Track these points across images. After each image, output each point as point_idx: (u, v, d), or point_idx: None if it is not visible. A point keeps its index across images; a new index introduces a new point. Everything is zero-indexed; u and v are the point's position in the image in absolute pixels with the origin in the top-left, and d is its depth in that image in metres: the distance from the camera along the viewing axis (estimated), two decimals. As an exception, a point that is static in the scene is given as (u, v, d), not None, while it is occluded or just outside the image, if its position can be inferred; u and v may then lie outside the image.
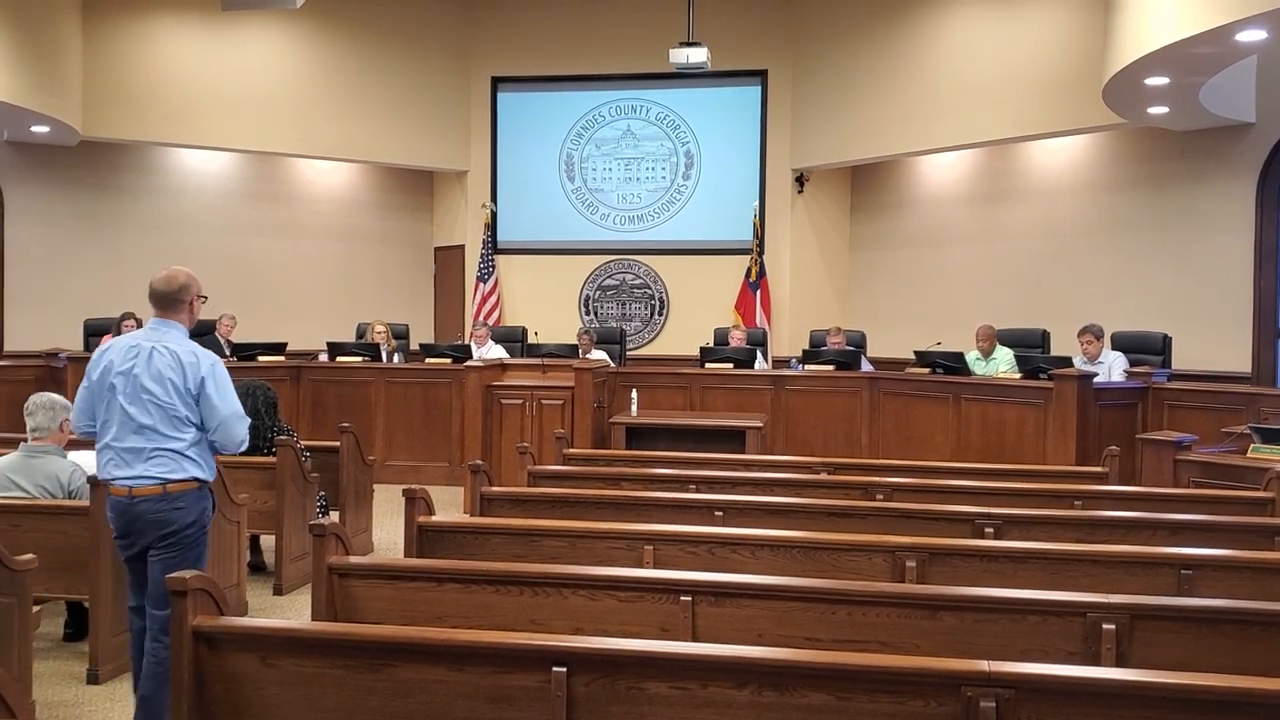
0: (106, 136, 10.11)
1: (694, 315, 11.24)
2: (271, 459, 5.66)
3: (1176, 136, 8.66)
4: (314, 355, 9.49)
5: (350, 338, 10.19)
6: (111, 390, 3.50)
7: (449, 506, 7.16)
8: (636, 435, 7.43)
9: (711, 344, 9.81)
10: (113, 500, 3.52)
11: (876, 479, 5.04)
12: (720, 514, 4.35)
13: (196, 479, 3.51)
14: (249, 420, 3.62)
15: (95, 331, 9.53)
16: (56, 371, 8.22)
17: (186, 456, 3.49)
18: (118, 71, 10.05)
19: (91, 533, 4.27)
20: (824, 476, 5.32)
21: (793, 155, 11.20)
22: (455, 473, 8.31)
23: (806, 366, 8.78)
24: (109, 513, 3.57)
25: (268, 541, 6.16)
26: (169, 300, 3.57)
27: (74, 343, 9.57)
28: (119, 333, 9.09)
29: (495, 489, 4.62)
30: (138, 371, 3.48)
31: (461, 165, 11.82)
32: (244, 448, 3.59)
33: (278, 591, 5.61)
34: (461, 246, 12.05)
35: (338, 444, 6.34)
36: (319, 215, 11.84)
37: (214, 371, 3.50)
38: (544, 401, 7.68)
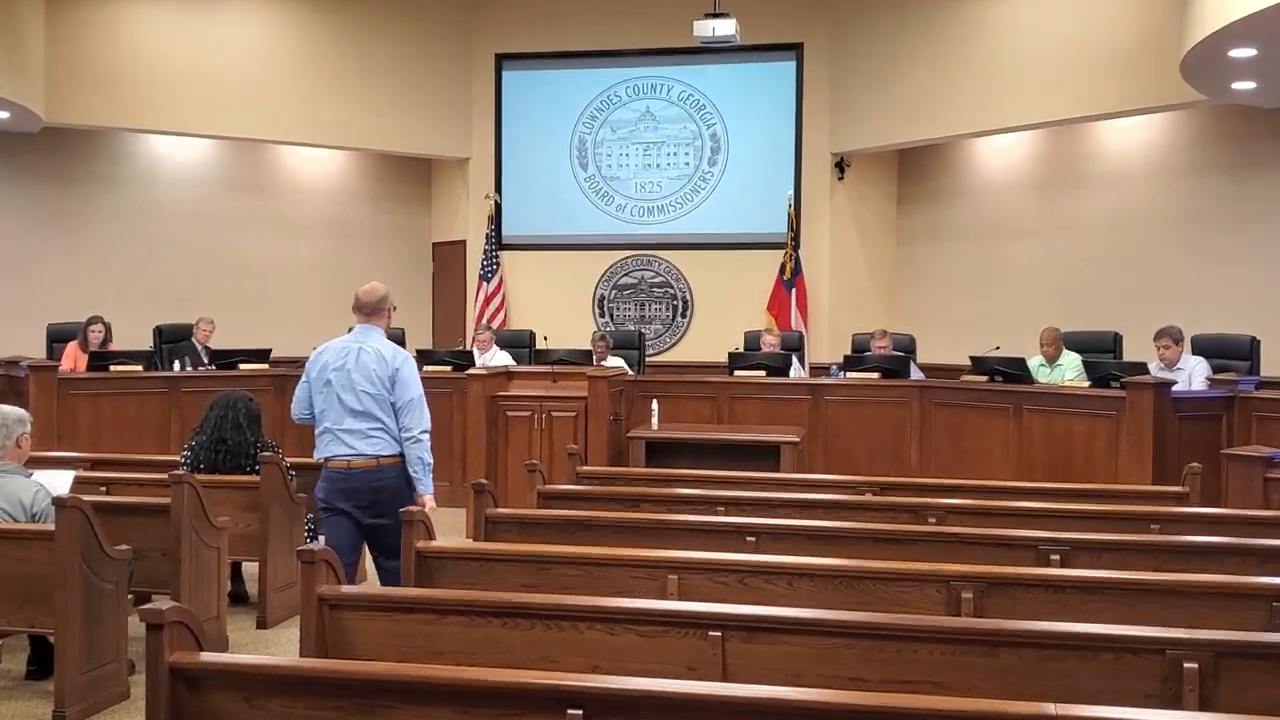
0: (72, 122, 10.22)
1: (721, 317, 11.24)
2: (254, 478, 5.70)
3: (1265, 115, 8.60)
4: (301, 363, 9.54)
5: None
6: (328, 384, 4.64)
7: (449, 530, 7.18)
8: (658, 451, 7.42)
9: (741, 349, 9.80)
10: (331, 472, 4.63)
11: (928, 500, 5.03)
12: (752, 539, 4.36)
13: (401, 454, 4.64)
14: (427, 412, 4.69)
15: (59, 337, 9.59)
16: (16, 381, 8.28)
17: (396, 437, 4.63)
18: (83, 51, 10.14)
19: (59, 559, 4.30)
20: (869, 497, 5.32)
21: (832, 138, 11.19)
22: (456, 493, 8.33)
23: (848, 374, 8.76)
24: (323, 483, 4.67)
25: (250, 569, 6.19)
26: (373, 309, 4.75)
27: (36, 349, 9.61)
28: (84, 339, 9.16)
29: (501, 511, 4.65)
30: (349, 367, 4.63)
31: (462, 152, 11.88)
32: (428, 430, 4.66)
33: (262, 624, 5.64)
34: (462, 242, 12.11)
35: (327, 461, 6.37)
36: (305, 208, 11.92)
37: (406, 362, 4.70)
38: (554, 413, 7.69)
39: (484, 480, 4.76)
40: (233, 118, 10.72)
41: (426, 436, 4.65)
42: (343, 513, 4.60)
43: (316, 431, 4.71)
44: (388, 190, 12.37)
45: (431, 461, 4.68)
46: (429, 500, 4.66)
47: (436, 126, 11.70)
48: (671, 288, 11.65)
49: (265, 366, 9.25)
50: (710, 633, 2.98)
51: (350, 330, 4.78)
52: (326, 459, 4.65)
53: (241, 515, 5.64)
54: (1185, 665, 2.76)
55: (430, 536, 3.96)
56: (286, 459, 5.91)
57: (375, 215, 12.29)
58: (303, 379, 4.78)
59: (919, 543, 4.25)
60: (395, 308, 4.87)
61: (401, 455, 4.65)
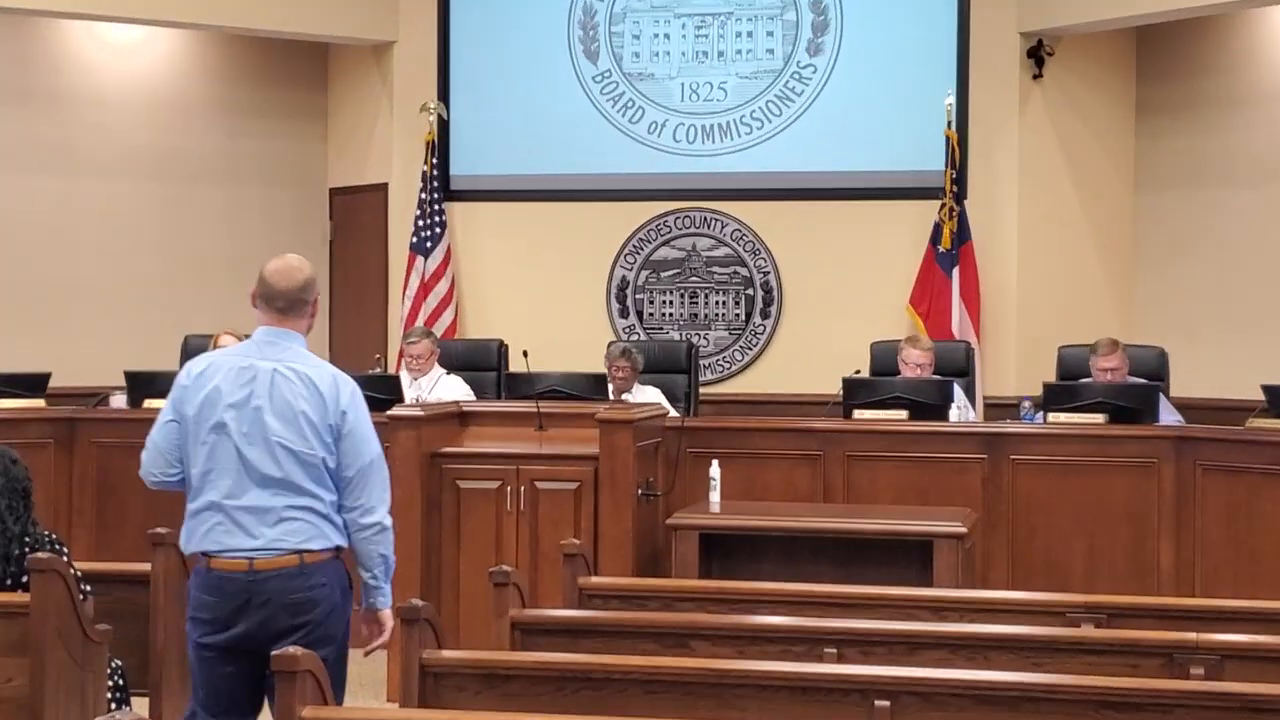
0: None
1: (829, 317, 11.27)
2: (20, 596, 5.69)
3: None
4: (102, 397, 9.56)
5: (173, 364, 10.27)
6: (220, 429, 4.69)
7: (359, 687, 7.15)
8: (721, 550, 7.42)
9: (865, 372, 9.75)
10: (220, 577, 4.68)
11: (1191, 636, 5.01)
12: (886, 704, 4.33)
13: (338, 547, 4.78)
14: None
15: None
16: None
17: (329, 519, 4.75)
18: None
19: None
20: (1089, 632, 5.31)
21: (1021, 9, 11.15)
22: (371, 623, 8.34)
23: (1051, 416, 8.70)
24: (202, 594, 4.73)
25: (13, 754, 6.21)
26: (292, 301, 4.83)
27: None
28: None
29: (449, 654, 4.64)
30: (258, 403, 4.68)
31: (383, 34, 11.94)
32: (387, 513, 4.85)
33: None
34: (382, 187, 12.18)
35: (147, 568, 6.38)
36: (114, 131, 11.98)
37: (355, 398, 4.83)
38: (542, 485, 7.67)
39: (419, 601, 4.73)
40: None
41: (391, 521, 4.85)
42: (243, 641, 4.68)
43: (191, 506, 4.78)
44: (255, 99, 12.43)
45: (395, 560, 4.91)
46: (387, 619, 4.88)
47: (338, -10, 11.80)
48: (744, 266, 11.64)
49: (39, 403, 9.27)
50: None
51: (234, 338, 4.87)
52: (208, 554, 4.72)
53: None
54: None
55: (324, 698, 3.95)
56: (75, 564, 5.90)
57: (234, 142, 12.35)
58: (166, 415, 4.85)
59: (1177, 709, 4.21)
60: (318, 297, 5.00)
61: (337, 551, 4.78)
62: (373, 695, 7.29)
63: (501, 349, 10.28)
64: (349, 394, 4.79)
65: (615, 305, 11.75)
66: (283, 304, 4.82)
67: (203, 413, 4.70)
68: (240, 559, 4.65)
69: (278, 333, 4.82)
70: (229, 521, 4.67)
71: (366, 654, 4.68)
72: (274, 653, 4.00)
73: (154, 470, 4.84)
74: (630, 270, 11.76)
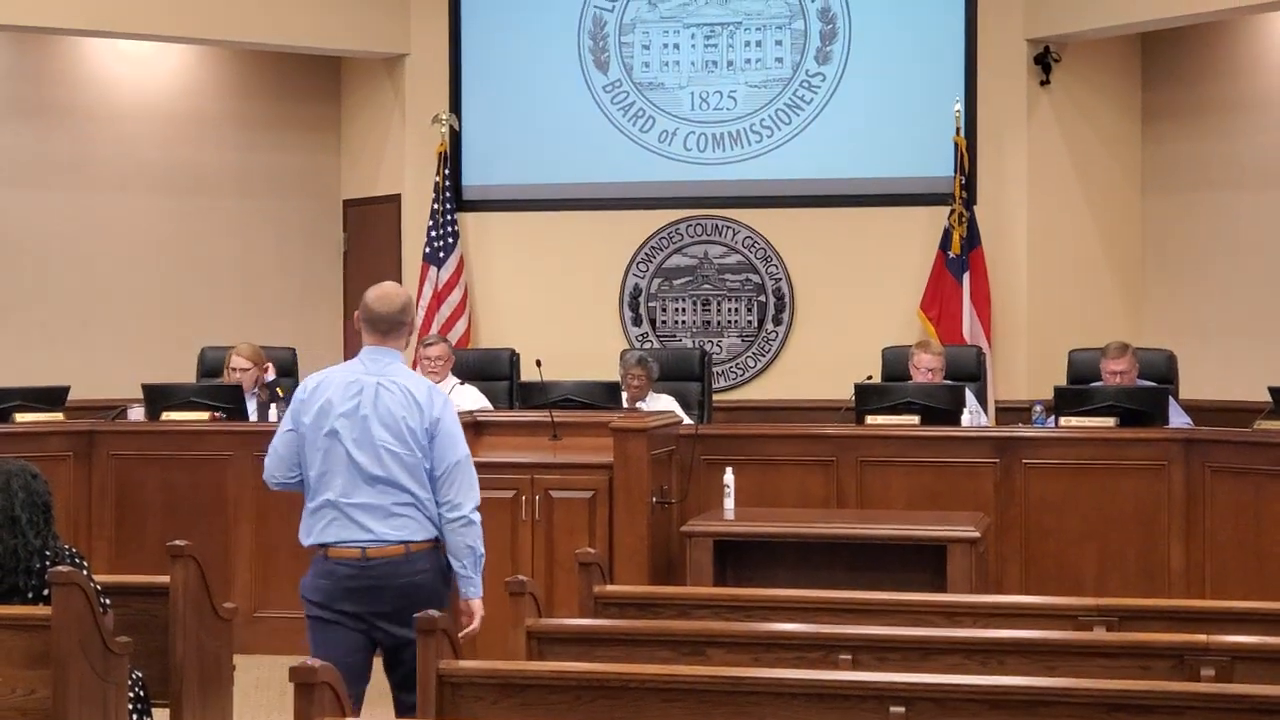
0: None
1: (842, 323, 11.25)
2: (42, 609, 5.70)
3: None
4: (120, 409, 9.57)
5: (189, 376, 10.27)
6: (334, 436, 5.30)
7: (378, 696, 7.14)
8: (735, 557, 7.41)
9: (877, 378, 9.75)
10: (334, 564, 5.31)
11: (1201, 638, 5.01)
12: (901, 709, 4.32)
13: (437, 539, 5.37)
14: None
15: None
16: None
17: (428, 514, 5.34)
18: None
19: None
20: (1101, 636, 5.31)
21: (1028, 16, 11.14)
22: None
23: (1063, 420, 8.70)
24: (320, 580, 5.35)
25: (36, 767, 6.20)
26: (392, 324, 5.46)
27: None
28: None
29: (465, 664, 4.63)
30: (365, 412, 5.29)
31: (394, 46, 11.93)
32: (478, 507, 5.40)
33: None
34: (394, 198, 12.16)
35: (166, 580, 6.38)
36: (127, 145, 11.98)
37: (447, 408, 5.42)
38: (556, 493, 7.69)
39: (434, 612, 4.74)
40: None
41: (479, 517, 5.39)
42: (350, 618, 5.30)
43: (309, 505, 5.37)
44: (268, 113, 12.44)
45: (484, 553, 5.43)
46: (477, 609, 5.40)
47: (351, 5, 11.78)
48: (756, 273, 11.63)
49: (58, 416, 9.28)
50: None
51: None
52: (324, 545, 5.31)
53: (20, 674, 5.62)
54: None
55: (342, 710, 3.95)
56: (95, 577, 5.91)
57: (247, 156, 12.35)
58: (285, 425, 5.49)
59: (1188, 711, 4.20)
60: (414, 317, 5.73)
61: (437, 541, 5.36)
62: (390, 705, 7.29)
63: (514, 358, 10.30)
64: (441, 403, 5.39)
65: (628, 313, 11.75)
66: (385, 327, 5.43)
67: (317, 421, 5.31)
68: (353, 548, 5.25)
69: (380, 351, 5.43)
70: (344, 518, 5.27)
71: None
72: (291, 666, 4.01)
73: (276, 474, 5.47)
74: (643, 278, 11.76)
